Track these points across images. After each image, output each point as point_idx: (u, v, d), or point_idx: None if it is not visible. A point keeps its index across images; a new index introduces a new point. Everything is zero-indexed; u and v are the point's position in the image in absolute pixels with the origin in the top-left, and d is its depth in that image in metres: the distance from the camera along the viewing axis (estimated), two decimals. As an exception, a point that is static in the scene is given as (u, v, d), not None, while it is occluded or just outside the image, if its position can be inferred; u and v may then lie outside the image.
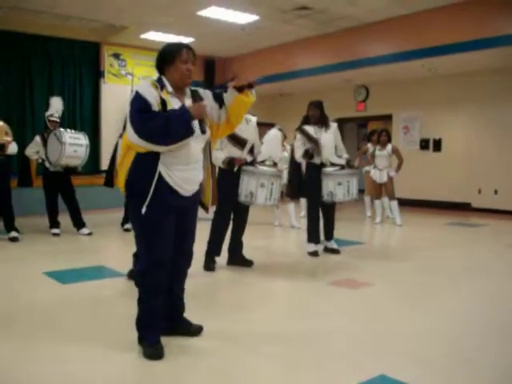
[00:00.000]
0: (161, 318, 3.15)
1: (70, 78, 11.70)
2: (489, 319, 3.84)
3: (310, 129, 5.93)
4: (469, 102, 11.07)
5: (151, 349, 3.01)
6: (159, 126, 2.86)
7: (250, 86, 3.29)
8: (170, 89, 3.06)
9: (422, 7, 9.15)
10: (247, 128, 5.21)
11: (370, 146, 9.49)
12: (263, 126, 7.52)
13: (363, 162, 9.69)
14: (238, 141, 5.12)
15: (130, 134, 2.93)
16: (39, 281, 4.75)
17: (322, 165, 5.88)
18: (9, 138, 6.69)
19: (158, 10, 9.48)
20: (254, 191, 5.05)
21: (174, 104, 3.01)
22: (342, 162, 5.92)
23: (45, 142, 7.06)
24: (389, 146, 8.93)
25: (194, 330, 3.35)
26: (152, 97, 2.94)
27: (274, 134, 5.26)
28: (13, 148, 6.75)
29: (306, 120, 6.03)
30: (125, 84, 12.03)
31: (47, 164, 7.13)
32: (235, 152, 5.14)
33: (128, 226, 7.31)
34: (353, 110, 13.22)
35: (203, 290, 4.62)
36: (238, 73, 13.11)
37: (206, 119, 3.15)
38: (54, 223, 7.32)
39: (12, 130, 6.99)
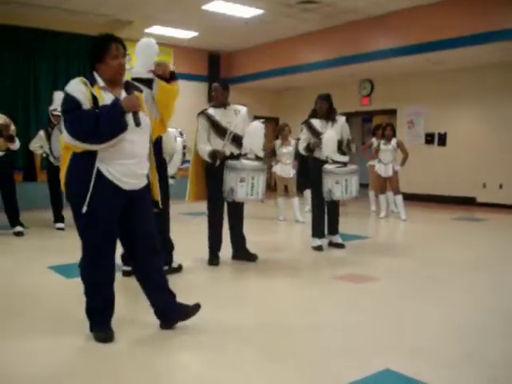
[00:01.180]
0: (109, 305, 3.19)
1: (75, 72, 11.66)
2: (495, 315, 3.82)
3: (316, 122, 5.91)
4: (475, 96, 11.01)
5: (102, 333, 3.10)
6: (90, 124, 2.83)
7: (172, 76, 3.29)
8: (101, 83, 3.01)
9: (427, 1, 9.09)
10: (236, 119, 5.12)
11: (374, 140, 9.47)
12: (268, 121, 7.49)
13: (368, 155, 9.67)
14: (219, 130, 5.06)
15: (65, 135, 2.92)
16: (44, 275, 4.77)
17: (326, 161, 5.86)
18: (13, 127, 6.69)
19: (163, 4, 9.45)
20: (234, 186, 4.92)
21: (106, 99, 2.97)
22: (345, 159, 5.88)
23: (49, 137, 7.07)
24: (393, 141, 8.91)
25: (192, 311, 3.33)
26: (81, 94, 2.90)
27: (255, 126, 5.11)
28: (16, 144, 6.76)
29: (314, 113, 6.01)
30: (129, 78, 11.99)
31: (51, 158, 7.13)
32: (218, 143, 5.06)
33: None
34: (357, 104, 13.17)
35: (206, 284, 4.62)
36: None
37: (142, 110, 3.07)
38: (59, 218, 7.33)
39: (17, 124, 6.99)
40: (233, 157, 5.08)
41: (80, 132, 2.86)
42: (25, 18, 10.05)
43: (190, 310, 3.33)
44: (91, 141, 2.87)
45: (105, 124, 2.84)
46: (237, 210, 5.32)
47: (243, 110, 5.24)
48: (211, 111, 5.13)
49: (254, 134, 5.00)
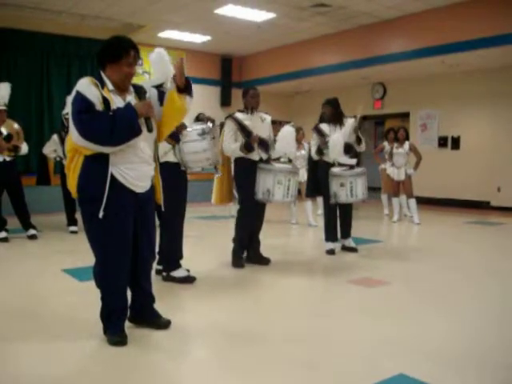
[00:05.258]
0: (125, 309, 3.20)
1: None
2: (508, 320, 3.78)
3: (324, 127, 5.96)
4: (489, 99, 10.92)
5: (115, 337, 3.09)
6: (104, 126, 2.78)
7: (188, 88, 3.21)
8: (110, 87, 2.97)
9: (442, 3, 9.04)
10: (262, 126, 5.23)
11: (386, 144, 9.40)
12: (280, 124, 7.50)
13: (379, 159, 9.62)
14: (247, 134, 5.10)
15: (75, 137, 2.84)
16: (57, 278, 4.79)
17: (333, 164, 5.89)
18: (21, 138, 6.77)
19: (176, 8, 9.50)
20: (270, 188, 5.04)
21: (117, 103, 2.94)
22: (352, 162, 5.89)
23: (62, 141, 7.11)
24: (406, 144, 8.86)
25: (162, 323, 3.36)
26: (94, 96, 2.86)
27: (287, 130, 5.27)
28: (24, 149, 6.83)
29: (322, 118, 6.06)
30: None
31: (64, 162, 7.16)
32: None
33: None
34: (370, 108, 13.11)
35: (219, 287, 4.60)
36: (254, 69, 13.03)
37: (153, 116, 3.07)
38: (72, 221, 7.37)
39: (30, 129, 7.03)
40: (262, 161, 5.18)
41: (94, 133, 2.81)
42: (38, 22, 10.14)
43: (161, 323, 3.36)
44: (105, 143, 2.83)
45: (120, 127, 2.82)
46: (259, 213, 5.39)
47: (268, 118, 5.35)
48: (239, 115, 5.18)
49: (287, 138, 5.17)
